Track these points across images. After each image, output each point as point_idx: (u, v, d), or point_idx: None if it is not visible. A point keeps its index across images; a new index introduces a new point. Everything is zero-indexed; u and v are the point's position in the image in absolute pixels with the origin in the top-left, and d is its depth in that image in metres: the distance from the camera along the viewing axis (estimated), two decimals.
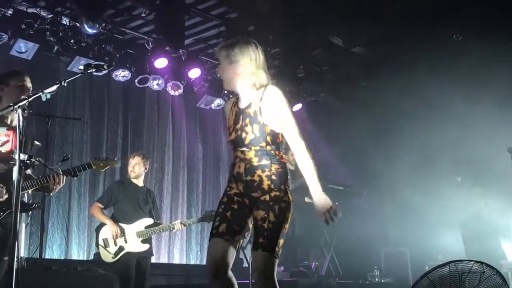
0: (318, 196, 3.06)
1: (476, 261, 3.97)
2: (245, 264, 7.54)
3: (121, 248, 5.84)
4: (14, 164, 3.17)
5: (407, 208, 8.74)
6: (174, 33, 7.43)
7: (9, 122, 3.92)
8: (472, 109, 7.33)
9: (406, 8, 6.95)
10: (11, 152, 3.76)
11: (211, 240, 3.08)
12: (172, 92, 8.72)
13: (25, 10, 6.98)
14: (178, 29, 7.46)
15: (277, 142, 3.13)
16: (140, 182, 6.20)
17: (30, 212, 5.73)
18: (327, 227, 8.04)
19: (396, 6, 7.04)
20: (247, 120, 3.15)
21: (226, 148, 9.67)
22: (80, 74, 3.58)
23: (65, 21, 7.27)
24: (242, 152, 3.13)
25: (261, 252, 2.97)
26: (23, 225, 5.85)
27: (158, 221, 6.13)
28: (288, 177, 3.12)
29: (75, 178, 4.16)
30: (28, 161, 3.27)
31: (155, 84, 8.37)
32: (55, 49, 7.42)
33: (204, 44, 8.59)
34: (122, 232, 5.87)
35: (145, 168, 6.21)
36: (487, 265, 3.93)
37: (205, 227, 9.07)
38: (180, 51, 8.14)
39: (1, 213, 3.71)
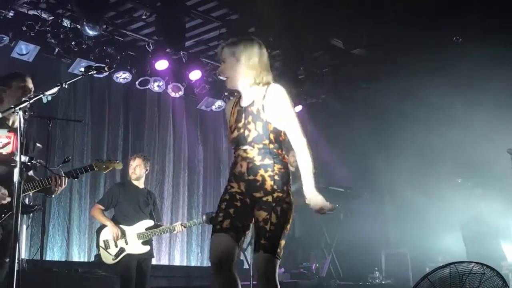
0: (311, 193, 3.06)
1: (477, 263, 3.96)
2: (246, 266, 7.53)
3: (121, 250, 5.84)
4: (15, 166, 3.18)
5: (407, 210, 8.73)
6: (175, 35, 7.44)
7: (10, 123, 3.92)
8: (472, 110, 7.34)
9: (406, 8, 6.96)
10: (12, 154, 3.75)
11: (214, 235, 3.03)
12: (172, 94, 8.73)
13: (26, 12, 6.98)
14: (179, 31, 7.47)
15: (279, 140, 3.11)
16: (140, 184, 6.20)
17: (31, 214, 5.74)
18: (328, 228, 8.13)
19: (396, 7, 7.05)
20: (250, 118, 3.12)
21: (227, 150, 9.67)
22: (81, 76, 3.60)
23: (66, 23, 7.28)
24: (244, 150, 3.10)
25: (263, 254, 2.95)
26: (24, 227, 5.84)
27: (158, 223, 6.13)
28: (290, 178, 3.11)
29: (76, 180, 4.17)
30: (29, 163, 3.28)
31: (155, 86, 8.37)
32: (56, 51, 7.45)
33: (204, 46, 8.60)
34: (123, 234, 5.87)
35: (146, 170, 6.22)
36: (488, 266, 3.93)
37: (206, 229, 9.07)
38: (181, 53, 8.14)
39: (2, 215, 3.72)
